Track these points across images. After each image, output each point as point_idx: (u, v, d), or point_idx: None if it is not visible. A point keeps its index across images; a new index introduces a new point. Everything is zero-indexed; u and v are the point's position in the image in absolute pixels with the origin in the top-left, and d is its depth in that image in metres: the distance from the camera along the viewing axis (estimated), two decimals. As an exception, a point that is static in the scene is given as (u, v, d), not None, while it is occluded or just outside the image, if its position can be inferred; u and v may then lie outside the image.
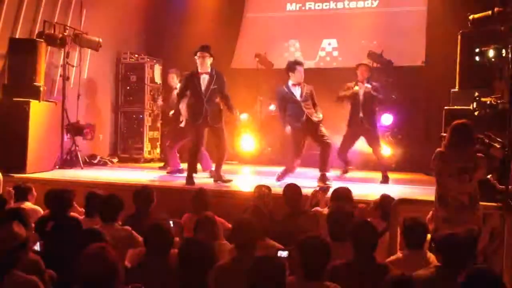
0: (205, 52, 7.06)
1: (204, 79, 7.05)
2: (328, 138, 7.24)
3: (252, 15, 10.97)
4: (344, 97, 7.76)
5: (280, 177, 7.17)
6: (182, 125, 7.84)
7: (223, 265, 3.53)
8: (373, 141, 7.77)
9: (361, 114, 7.63)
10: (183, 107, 7.60)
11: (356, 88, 7.69)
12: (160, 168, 8.82)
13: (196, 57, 7.10)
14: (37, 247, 3.73)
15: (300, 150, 7.19)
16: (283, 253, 3.64)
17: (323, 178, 7.00)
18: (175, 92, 8.17)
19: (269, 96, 9.49)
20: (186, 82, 7.31)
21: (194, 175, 7.10)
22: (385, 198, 4.94)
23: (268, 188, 5.26)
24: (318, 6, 10.61)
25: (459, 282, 2.77)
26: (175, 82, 8.64)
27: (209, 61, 7.08)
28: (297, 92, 7.25)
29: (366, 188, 6.86)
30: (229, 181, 7.12)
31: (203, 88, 7.03)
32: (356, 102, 7.69)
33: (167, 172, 8.21)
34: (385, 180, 7.61)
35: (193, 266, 3.11)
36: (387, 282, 2.89)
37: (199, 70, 7.07)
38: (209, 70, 7.08)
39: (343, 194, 5.02)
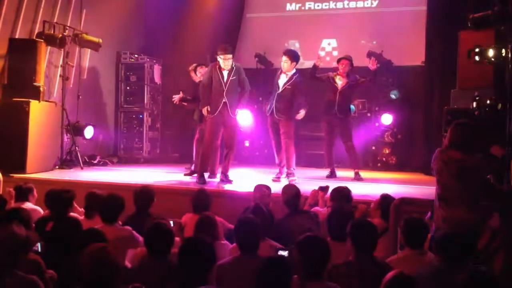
0: (228, 54, 6.98)
1: (225, 73, 7.04)
2: (286, 138, 7.23)
3: (252, 15, 10.98)
4: (319, 76, 7.83)
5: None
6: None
7: (225, 265, 3.53)
8: (345, 135, 7.81)
9: (336, 107, 7.67)
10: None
11: (338, 79, 7.73)
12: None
13: (219, 58, 7.02)
14: (37, 247, 3.72)
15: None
16: (284, 253, 3.64)
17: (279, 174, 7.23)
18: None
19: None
20: (210, 73, 7.16)
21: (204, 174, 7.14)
22: (385, 198, 4.95)
23: (268, 188, 5.27)
24: (318, 6, 10.62)
25: (458, 282, 2.77)
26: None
27: (231, 61, 7.05)
28: (281, 81, 7.28)
29: (366, 188, 6.86)
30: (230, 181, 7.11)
31: (224, 80, 7.01)
32: (333, 94, 7.71)
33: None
34: (358, 177, 7.66)
35: (194, 266, 3.11)
36: (387, 281, 2.89)
37: (222, 66, 7.03)
38: (230, 68, 7.05)
39: (342, 194, 5.02)
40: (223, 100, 6.99)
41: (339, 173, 8.07)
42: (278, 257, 3.16)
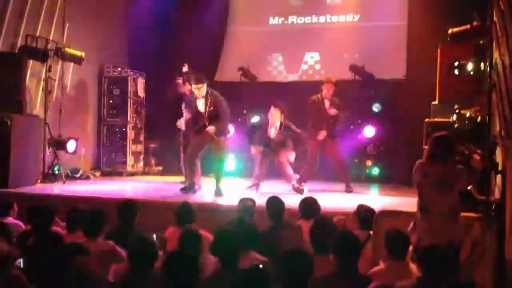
0: (199, 84, 7.07)
1: (201, 102, 7.18)
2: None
3: (235, 29, 11.05)
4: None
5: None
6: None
7: (206, 279, 3.52)
8: (335, 154, 7.92)
9: (324, 129, 7.76)
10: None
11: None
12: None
13: (193, 88, 7.18)
14: (19, 263, 3.68)
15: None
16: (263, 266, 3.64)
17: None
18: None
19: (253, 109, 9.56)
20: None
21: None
22: (361, 208, 4.99)
23: (252, 200, 5.28)
24: (301, 20, 10.73)
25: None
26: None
27: (204, 89, 7.12)
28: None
29: (347, 199, 6.91)
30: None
31: (202, 110, 7.19)
32: (321, 117, 7.78)
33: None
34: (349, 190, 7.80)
35: (178, 280, 3.10)
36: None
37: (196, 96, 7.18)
38: (204, 94, 7.14)
39: (309, 205, 5.07)
40: (206, 128, 7.12)
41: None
42: (252, 268, 3.14)
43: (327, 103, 7.86)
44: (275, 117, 7.55)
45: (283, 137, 7.56)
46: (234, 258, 3.63)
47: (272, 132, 7.59)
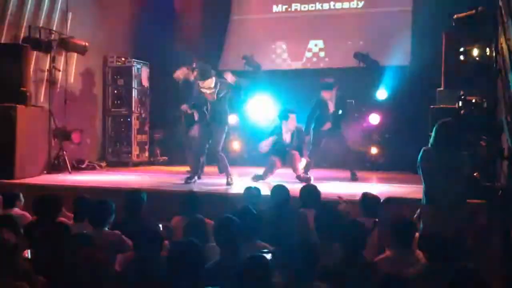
0: (206, 78, 7.06)
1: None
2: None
3: (239, 17, 10.99)
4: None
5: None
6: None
7: (210, 266, 3.54)
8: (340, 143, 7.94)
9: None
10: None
11: None
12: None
13: (200, 84, 7.17)
14: (26, 253, 3.70)
15: None
16: (268, 255, 3.65)
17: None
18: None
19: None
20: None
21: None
22: (365, 196, 4.97)
23: (258, 189, 5.29)
24: (304, 7, 10.67)
25: (446, 281, 2.80)
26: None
27: (212, 82, 7.10)
28: None
29: (353, 188, 6.90)
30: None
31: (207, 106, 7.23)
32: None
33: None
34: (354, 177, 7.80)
35: (182, 269, 3.10)
36: (376, 280, 2.91)
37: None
38: (212, 86, 7.13)
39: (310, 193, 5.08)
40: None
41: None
42: (255, 256, 3.14)
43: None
44: (292, 124, 7.55)
45: (298, 142, 7.59)
46: (235, 246, 3.63)
47: (288, 138, 7.58)
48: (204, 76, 7.06)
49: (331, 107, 7.74)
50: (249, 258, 3.04)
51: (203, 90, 7.13)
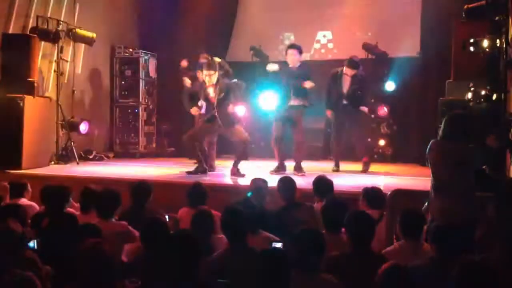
0: (212, 70, 7.03)
1: (211, 90, 7.14)
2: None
3: (246, 8, 10.93)
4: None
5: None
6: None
7: (216, 257, 3.53)
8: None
9: (344, 101, 7.69)
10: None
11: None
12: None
13: (203, 75, 7.14)
14: (33, 243, 3.71)
15: None
16: (277, 245, 3.64)
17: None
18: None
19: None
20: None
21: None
22: (368, 188, 4.94)
23: (265, 181, 5.27)
24: (313, -3, 10.58)
25: (454, 274, 2.78)
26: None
27: (215, 77, 7.09)
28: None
29: (361, 179, 6.87)
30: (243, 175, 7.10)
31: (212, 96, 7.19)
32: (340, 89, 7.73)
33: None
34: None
35: (177, 260, 3.05)
36: (382, 273, 2.89)
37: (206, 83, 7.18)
38: (214, 82, 7.13)
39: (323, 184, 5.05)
40: (214, 114, 7.09)
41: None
42: (274, 249, 3.13)
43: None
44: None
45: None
46: (243, 237, 3.62)
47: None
48: (211, 67, 7.04)
49: (347, 85, 7.66)
50: (268, 254, 3.01)
51: (207, 91, 7.10)
